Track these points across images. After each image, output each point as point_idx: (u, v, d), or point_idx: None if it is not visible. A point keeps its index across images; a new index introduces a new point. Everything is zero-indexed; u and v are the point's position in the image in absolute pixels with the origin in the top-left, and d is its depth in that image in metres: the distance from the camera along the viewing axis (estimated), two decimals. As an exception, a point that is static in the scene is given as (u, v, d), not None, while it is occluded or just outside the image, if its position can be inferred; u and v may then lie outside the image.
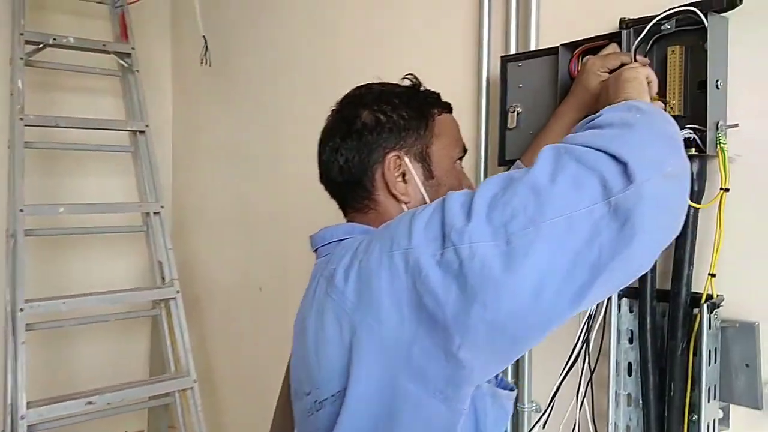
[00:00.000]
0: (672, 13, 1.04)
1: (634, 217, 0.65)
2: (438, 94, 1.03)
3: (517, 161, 1.25)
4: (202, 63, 2.36)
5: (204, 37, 2.33)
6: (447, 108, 1.03)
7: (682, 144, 0.77)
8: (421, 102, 0.99)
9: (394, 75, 1.04)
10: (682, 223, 0.73)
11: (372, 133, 0.94)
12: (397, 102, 0.97)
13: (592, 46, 1.19)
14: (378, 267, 0.75)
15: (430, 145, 0.97)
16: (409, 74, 1.03)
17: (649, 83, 0.98)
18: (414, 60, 1.61)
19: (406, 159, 0.94)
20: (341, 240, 0.90)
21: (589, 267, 0.66)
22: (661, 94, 1.07)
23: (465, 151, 1.04)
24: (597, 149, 0.69)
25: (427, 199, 0.94)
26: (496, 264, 0.67)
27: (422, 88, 1.02)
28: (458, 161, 1.01)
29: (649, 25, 1.06)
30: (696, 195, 1.06)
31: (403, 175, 0.94)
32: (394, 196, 0.94)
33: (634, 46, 1.09)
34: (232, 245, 2.51)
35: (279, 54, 2.17)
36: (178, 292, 2.40)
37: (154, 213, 2.49)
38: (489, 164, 1.45)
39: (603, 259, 0.66)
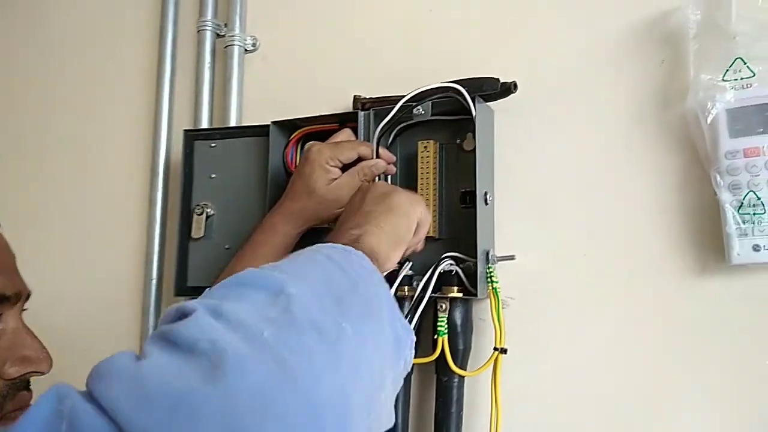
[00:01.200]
0: (428, 91, 0.72)
1: None
2: None
3: (207, 290, 0.78)
4: None
5: None
6: None
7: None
8: None
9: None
10: None
11: None
12: None
13: (318, 129, 0.82)
14: None
15: None
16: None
17: (419, 226, 0.62)
18: (80, 127, 1.09)
19: None
20: None
21: None
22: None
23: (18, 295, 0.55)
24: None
25: None
26: None
27: None
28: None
29: (398, 106, 0.73)
30: (461, 357, 0.72)
31: None
32: None
33: (377, 135, 0.75)
34: None
35: None
36: None
37: None
38: (164, 293, 0.97)
39: None
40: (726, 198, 0.62)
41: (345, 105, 0.84)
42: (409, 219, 0.60)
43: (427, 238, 0.75)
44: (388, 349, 0.46)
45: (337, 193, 0.72)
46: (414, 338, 0.50)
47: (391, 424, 0.47)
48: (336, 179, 0.72)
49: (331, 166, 0.72)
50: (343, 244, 0.51)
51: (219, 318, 0.37)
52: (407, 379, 0.75)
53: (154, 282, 0.97)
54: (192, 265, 0.88)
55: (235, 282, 0.42)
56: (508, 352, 0.70)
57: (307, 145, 0.76)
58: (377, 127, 0.75)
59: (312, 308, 0.40)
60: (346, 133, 0.77)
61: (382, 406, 0.43)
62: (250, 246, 0.76)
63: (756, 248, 0.61)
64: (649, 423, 0.68)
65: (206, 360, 0.34)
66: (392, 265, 0.59)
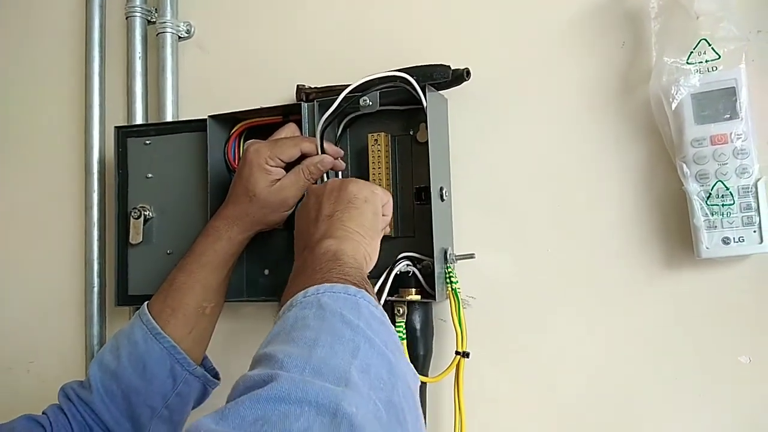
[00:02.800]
0: (373, 81, 0.67)
1: None
2: None
3: (145, 305, 0.71)
4: None
5: None
6: None
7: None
8: None
9: None
10: None
11: None
12: None
13: (260, 122, 0.76)
14: None
15: None
16: None
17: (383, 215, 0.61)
18: (5, 128, 1.00)
19: None
20: None
21: None
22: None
23: None
24: None
25: None
26: None
27: None
28: None
29: (341, 96, 0.68)
30: (422, 362, 0.68)
31: None
32: None
33: (320, 126, 0.69)
34: None
35: None
36: None
37: None
38: (107, 301, 0.90)
39: None
40: (693, 189, 0.59)
41: (289, 96, 0.78)
42: (373, 204, 0.58)
43: (383, 237, 0.71)
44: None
45: (282, 195, 0.67)
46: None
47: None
48: (279, 180, 0.67)
49: (272, 166, 0.66)
50: (329, 268, 0.49)
51: None
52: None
53: (95, 290, 0.90)
54: (133, 273, 0.82)
55: (268, 397, 0.33)
56: (470, 355, 0.66)
57: (246, 145, 0.70)
58: (322, 117, 0.69)
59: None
60: (290, 129, 0.71)
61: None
62: (193, 255, 0.70)
63: (726, 241, 0.58)
64: (619, 420, 0.65)
65: None
66: (372, 265, 0.58)
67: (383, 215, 0.61)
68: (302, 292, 0.44)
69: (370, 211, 0.58)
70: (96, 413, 0.63)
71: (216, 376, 0.71)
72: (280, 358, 0.37)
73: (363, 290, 0.45)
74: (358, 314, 0.42)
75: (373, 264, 0.58)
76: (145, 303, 0.69)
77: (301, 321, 0.41)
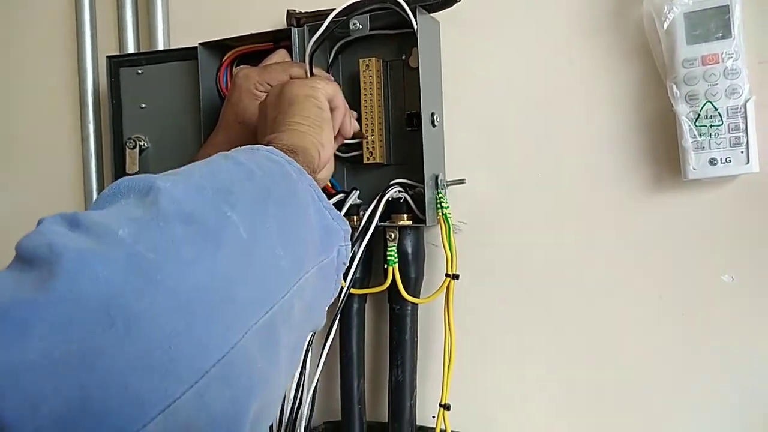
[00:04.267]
0: (362, 2, 0.66)
1: None
2: None
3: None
4: None
5: None
6: None
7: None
8: None
9: None
10: None
11: None
12: None
13: (250, 50, 0.76)
14: None
15: None
16: None
17: (333, 109, 0.60)
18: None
19: None
20: None
21: None
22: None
23: None
24: None
25: None
26: None
27: None
28: None
29: (328, 19, 0.67)
30: (413, 284, 0.70)
31: None
32: None
33: (308, 53, 0.68)
34: None
35: None
36: None
37: None
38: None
39: None
40: (682, 110, 0.59)
41: (281, 21, 0.77)
42: (315, 99, 0.57)
43: (375, 165, 0.71)
44: (310, 238, 0.43)
45: (271, 120, 0.67)
46: (349, 229, 0.49)
47: (322, 323, 0.47)
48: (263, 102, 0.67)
49: (261, 91, 0.66)
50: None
51: (72, 225, 0.32)
52: (361, 309, 0.74)
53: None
54: (130, 203, 0.83)
55: (107, 192, 0.37)
56: (460, 277, 0.68)
57: (235, 71, 0.70)
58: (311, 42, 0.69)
59: (185, 199, 0.35)
60: (279, 55, 0.71)
61: (302, 298, 0.41)
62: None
63: (713, 162, 0.58)
64: (604, 336, 0.67)
65: (43, 266, 0.29)
66: (327, 155, 0.57)
67: (335, 107, 0.60)
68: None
69: (312, 105, 0.57)
70: None
71: None
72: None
73: (273, 147, 0.46)
74: (243, 152, 0.44)
75: (328, 155, 0.58)
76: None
77: (208, 160, 0.43)
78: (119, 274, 0.30)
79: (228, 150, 0.67)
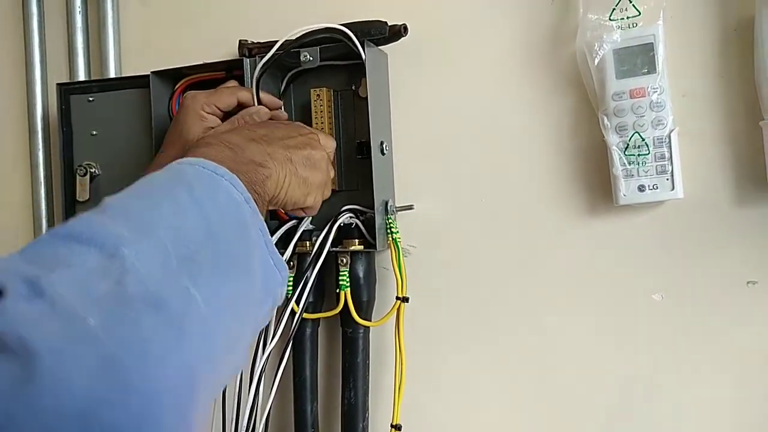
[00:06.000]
0: (312, 32, 0.68)
1: None
2: None
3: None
4: None
5: None
6: None
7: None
8: None
9: None
10: None
11: None
12: None
13: (204, 78, 0.77)
14: None
15: None
16: None
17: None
18: None
19: None
20: None
21: None
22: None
23: None
24: None
25: None
26: None
27: None
28: None
29: (275, 48, 0.69)
30: (365, 308, 0.72)
31: None
32: None
33: (255, 77, 0.70)
34: None
35: None
36: None
37: None
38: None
39: None
40: (613, 140, 0.63)
41: (233, 51, 0.78)
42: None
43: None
44: (254, 300, 0.44)
45: (215, 143, 0.68)
46: (287, 274, 0.49)
47: (243, 364, 0.49)
48: (213, 129, 0.68)
49: (207, 112, 0.67)
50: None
51: (36, 298, 0.31)
52: (314, 333, 0.75)
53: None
54: (81, 230, 0.83)
55: (64, 234, 0.36)
56: (410, 299, 0.70)
57: (185, 94, 0.71)
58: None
59: (151, 277, 0.35)
60: (230, 84, 0.72)
61: (238, 356, 0.43)
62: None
63: (641, 188, 0.62)
64: (547, 353, 0.70)
65: (16, 360, 0.29)
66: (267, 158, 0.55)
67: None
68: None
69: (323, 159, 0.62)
70: None
71: None
72: (107, 202, 0.40)
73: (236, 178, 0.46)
74: (206, 188, 0.44)
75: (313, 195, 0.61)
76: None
77: (151, 179, 0.43)
78: (93, 381, 0.30)
79: None
